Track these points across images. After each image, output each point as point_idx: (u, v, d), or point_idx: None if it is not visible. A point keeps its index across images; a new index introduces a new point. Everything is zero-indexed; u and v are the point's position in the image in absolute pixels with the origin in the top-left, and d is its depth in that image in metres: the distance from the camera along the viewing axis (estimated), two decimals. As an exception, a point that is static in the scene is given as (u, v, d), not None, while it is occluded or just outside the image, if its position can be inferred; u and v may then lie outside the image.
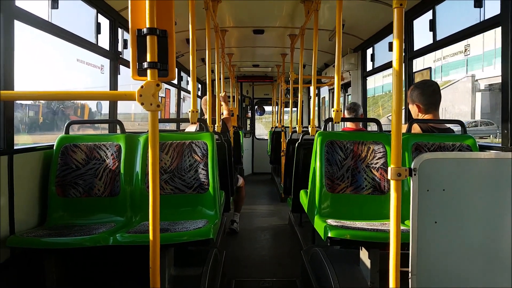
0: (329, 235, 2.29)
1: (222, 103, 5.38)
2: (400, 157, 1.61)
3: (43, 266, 2.39)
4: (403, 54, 4.03)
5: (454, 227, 1.55)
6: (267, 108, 12.47)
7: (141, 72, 1.63)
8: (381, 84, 35.47)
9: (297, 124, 5.11)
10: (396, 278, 1.58)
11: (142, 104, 1.58)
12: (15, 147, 2.43)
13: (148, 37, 1.58)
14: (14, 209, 2.39)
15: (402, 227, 1.62)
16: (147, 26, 1.58)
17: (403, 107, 4.06)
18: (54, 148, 2.88)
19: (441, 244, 1.55)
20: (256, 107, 11.69)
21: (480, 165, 1.57)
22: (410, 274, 1.53)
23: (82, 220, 2.75)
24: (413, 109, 3.07)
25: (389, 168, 1.60)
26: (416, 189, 1.52)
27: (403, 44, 1.70)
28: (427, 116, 3.01)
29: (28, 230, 2.50)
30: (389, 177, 1.60)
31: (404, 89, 4.07)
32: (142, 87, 1.58)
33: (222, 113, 5.32)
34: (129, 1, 1.60)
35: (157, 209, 1.64)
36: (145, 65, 1.60)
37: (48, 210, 2.76)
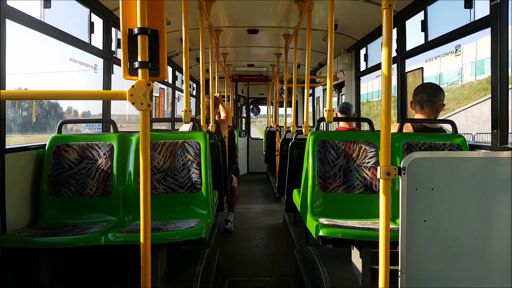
0: (321, 234, 2.30)
1: (220, 106, 5.36)
2: (389, 156, 1.63)
3: (35, 266, 2.38)
4: (396, 54, 4.09)
5: (443, 225, 1.56)
6: (262, 108, 12.44)
7: (132, 72, 1.64)
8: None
9: (291, 123, 5.12)
10: (385, 277, 1.60)
11: (133, 103, 1.59)
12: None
13: (139, 36, 1.59)
14: (6, 208, 2.38)
15: (392, 226, 1.63)
16: (138, 25, 1.58)
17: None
18: (46, 147, 2.87)
19: (430, 242, 1.56)
20: (252, 106, 11.69)
21: (469, 164, 1.59)
22: (399, 272, 1.54)
23: (74, 220, 2.74)
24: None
25: (378, 167, 1.61)
26: (405, 188, 1.53)
27: (395, 44, 1.72)
28: (420, 115, 3.03)
29: (20, 229, 2.49)
30: (378, 176, 1.61)
31: (401, 89, 4.10)
32: (133, 86, 1.59)
33: (220, 115, 5.31)
34: (120, 1, 1.60)
35: (148, 208, 1.64)
36: (136, 64, 1.60)
37: (40, 210, 2.75)
